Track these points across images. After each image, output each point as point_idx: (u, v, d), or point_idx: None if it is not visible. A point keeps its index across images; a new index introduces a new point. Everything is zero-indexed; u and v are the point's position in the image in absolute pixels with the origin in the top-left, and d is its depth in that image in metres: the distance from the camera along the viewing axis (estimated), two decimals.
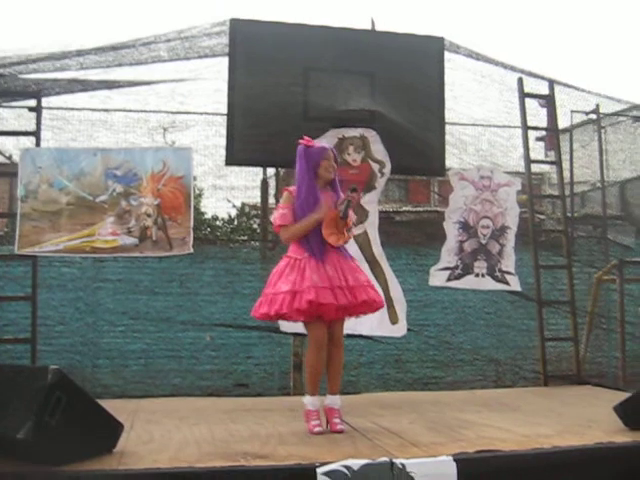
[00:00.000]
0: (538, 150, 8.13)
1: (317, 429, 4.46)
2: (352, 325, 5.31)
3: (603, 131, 9.54)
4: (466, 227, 6.93)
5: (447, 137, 7.07)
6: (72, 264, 7.91)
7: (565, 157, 8.64)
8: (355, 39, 6.75)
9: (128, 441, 4.15)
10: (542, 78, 7.72)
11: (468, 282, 6.99)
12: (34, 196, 6.13)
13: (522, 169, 7.64)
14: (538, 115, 7.76)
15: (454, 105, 7.27)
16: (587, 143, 9.69)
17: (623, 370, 7.65)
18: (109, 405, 4.02)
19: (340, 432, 4.46)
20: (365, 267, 6.47)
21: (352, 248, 6.37)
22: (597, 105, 8.86)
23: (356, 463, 3.55)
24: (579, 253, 8.86)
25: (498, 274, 7.00)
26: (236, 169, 7.67)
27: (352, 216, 4.64)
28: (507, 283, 7.07)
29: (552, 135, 7.82)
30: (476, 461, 3.76)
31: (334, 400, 4.63)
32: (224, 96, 6.54)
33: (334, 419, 4.56)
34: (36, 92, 6.63)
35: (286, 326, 5.80)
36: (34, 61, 6.51)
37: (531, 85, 7.60)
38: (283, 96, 6.38)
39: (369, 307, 4.64)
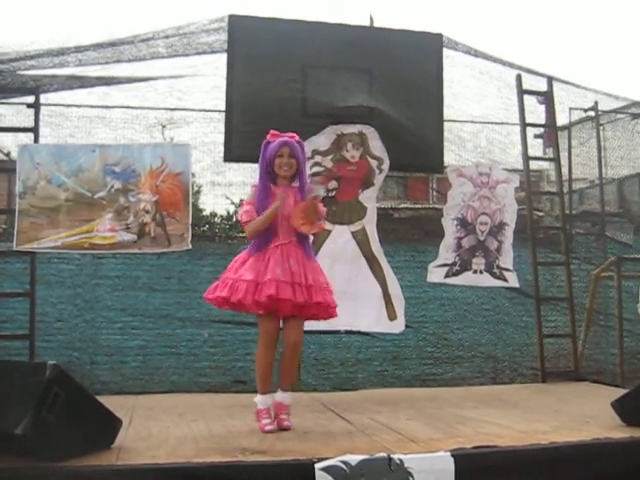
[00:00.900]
0: (536, 147, 8.14)
1: (268, 427, 4.39)
2: (350, 321, 5.33)
3: (601, 128, 9.54)
4: (464, 224, 6.94)
5: (445, 134, 7.05)
6: (70, 260, 7.92)
7: (563, 154, 8.64)
8: (354, 36, 6.73)
9: (126, 437, 4.16)
10: (540, 75, 7.72)
11: (466, 279, 7.00)
12: (32, 192, 6.13)
13: (520, 166, 7.65)
14: (536, 112, 7.76)
15: (452, 102, 7.27)
16: (585, 140, 9.70)
17: (621, 367, 7.67)
18: (107, 401, 4.03)
19: (287, 429, 4.42)
20: (363, 263, 6.49)
21: (350, 244, 6.44)
22: (595, 102, 8.85)
23: (354, 458, 3.55)
24: (577, 250, 8.87)
25: (496, 271, 7.01)
26: (234, 165, 7.68)
27: (322, 208, 4.56)
28: (505, 280, 7.07)
29: (550, 132, 7.82)
30: (473, 457, 3.77)
31: (283, 396, 4.57)
32: (222, 92, 6.54)
33: (281, 415, 4.51)
34: (34, 88, 6.62)
35: None
36: (32, 57, 6.51)
37: (529, 82, 7.60)
38: (281, 93, 6.37)
39: (323, 310, 4.55)
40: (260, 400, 4.53)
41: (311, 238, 4.75)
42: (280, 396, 4.57)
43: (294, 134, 4.68)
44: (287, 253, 4.44)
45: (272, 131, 4.66)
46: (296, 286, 4.35)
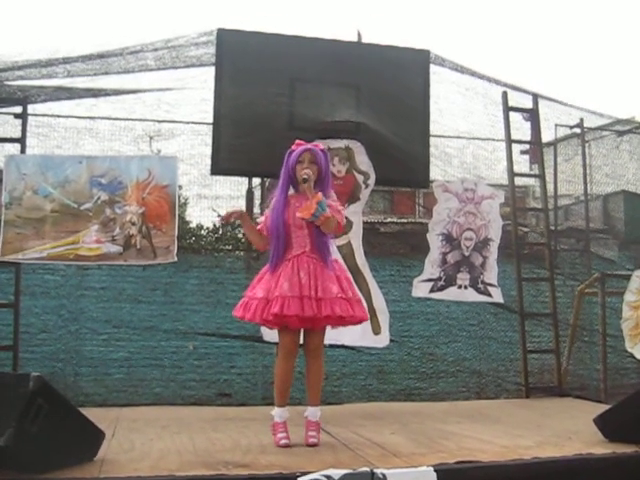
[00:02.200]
0: (522, 163, 8.19)
1: (283, 441, 4.37)
2: (334, 335, 5.32)
3: (587, 145, 9.60)
4: (449, 239, 6.97)
5: (431, 149, 7.09)
6: (56, 271, 7.89)
7: (549, 170, 8.70)
8: (341, 51, 6.77)
9: (109, 449, 4.15)
10: (526, 92, 7.78)
11: (451, 294, 7.02)
12: (18, 203, 6.11)
13: (506, 182, 7.69)
14: (522, 129, 7.82)
15: (439, 117, 7.32)
16: (571, 157, 9.76)
17: (604, 382, 7.70)
18: (91, 413, 4.03)
19: (313, 445, 4.40)
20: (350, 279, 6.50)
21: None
22: (581, 119, 8.92)
23: (337, 473, 3.55)
24: (562, 266, 8.91)
25: (481, 286, 7.04)
26: (221, 178, 7.69)
27: (319, 194, 4.41)
28: (490, 295, 7.10)
29: (536, 149, 7.88)
30: (456, 471, 3.78)
31: (312, 412, 4.56)
32: (210, 106, 6.56)
33: (309, 432, 4.49)
34: (22, 99, 6.61)
35: (269, 335, 5.80)
36: (20, 68, 6.50)
37: (515, 99, 7.66)
38: (269, 106, 6.39)
39: (334, 322, 4.50)
40: (277, 413, 4.52)
41: (332, 245, 4.71)
42: (309, 412, 4.58)
43: (318, 144, 4.70)
44: (298, 265, 4.42)
45: (298, 141, 4.67)
46: (305, 299, 4.31)
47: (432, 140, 7.15)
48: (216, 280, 8.20)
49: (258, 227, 4.69)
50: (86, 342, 7.99)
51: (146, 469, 3.70)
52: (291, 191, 4.65)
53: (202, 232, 9.58)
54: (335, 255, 6.12)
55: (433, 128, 7.13)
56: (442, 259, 6.94)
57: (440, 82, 7.25)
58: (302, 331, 4.54)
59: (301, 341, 4.60)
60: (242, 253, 8.52)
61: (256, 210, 7.78)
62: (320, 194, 4.40)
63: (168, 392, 7.93)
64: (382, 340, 6.64)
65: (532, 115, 7.75)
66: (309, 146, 4.62)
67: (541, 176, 7.84)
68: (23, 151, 6.48)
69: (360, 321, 4.64)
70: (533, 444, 4.45)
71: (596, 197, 10.02)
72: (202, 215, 8.92)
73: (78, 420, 3.81)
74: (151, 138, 7.75)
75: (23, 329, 6.66)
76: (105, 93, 7.05)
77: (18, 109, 6.61)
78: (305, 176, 4.41)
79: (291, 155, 4.59)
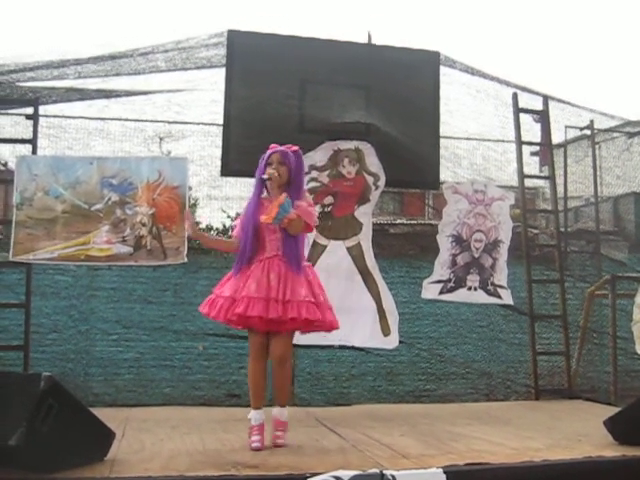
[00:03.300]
0: (532, 165, 8.19)
1: (254, 444, 4.32)
2: (344, 336, 5.34)
3: (597, 147, 9.58)
4: (459, 240, 6.95)
5: (441, 151, 7.09)
6: (66, 272, 7.91)
7: (559, 172, 8.68)
8: (352, 52, 6.78)
9: (119, 449, 4.16)
10: (536, 93, 7.77)
11: (460, 295, 7.00)
12: (29, 203, 6.13)
13: (516, 183, 7.68)
14: (532, 130, 7.81)
15: (449, 119, 7.32)
16: (581, 158, 9.75)
17: (615, 385, 7.67)
18: (101, 413, 4.03)
19: (279, 447, 4.37)
20: (358, 279, 6.51)
21: (345, 260, 6.45)
22: (591, 121, 8.91)
23: (346, 474, 3.56)
24: (572, 268, 8.89)
25: (490, 288, 7.02)
26: (231, 180, 7.71)
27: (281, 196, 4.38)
28: (499, 297, 7.08)
29: (546, 150, 7.87)
30: (466, 473, 3.78)
31: (279, 411, 4.54)
32: (220, 107, 6.56)
33: (276, 431, 4.48)
34: (33, 100, 6.63)
35: None
36: (31, 69, 6.53)
37: (526, 100, 7.65)
38: (279, 108, 6.40)
39: (301, 325, 4.47)
40: (252, 415, 4.48)
41: (304, 246, 4.67)
42: (275, 411, 4.55)
43: (293, 145, 4.67)
44: (269, 267, 4.41)
45: (272, 145, 4.66)
46: (271, 302, 4.29)
47: (442, 141, 7.15)
48: None
49: (233, 233, 4.71)
50: (96, 342, 8.02)
51: (156, 469, 3.72)
52: (265, 194, 4.63)
53: (212, 233, 9.60)
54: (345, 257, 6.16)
55: (443, 129, 7.12)
56: (452, 261, 6.92)
57: (450, 83, 7.25)
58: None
59: None
60: None
61: None
62: (283, 195, 4.35)
63: (177, 392, 7.95)
64: (391, 341, 6.63)
65: (542, 117, 7.73)
66: (280, 148, 4.61)
67: (551, 178, 7.82)
68: (34, 152, 6.49)
69: (330, 327, 4.59)
70: (543, 446, 4.44)
71: (606, 199, 10.01)
72: (212, 216, 8.97)
73: (89, 420, 3.83)
74: (161, 139, 7.78)
75: (34, 329, 6.67)
76: (116, 94, 7.08)
77: (29, 110, 6.63)
78: (265, 176, 4.43)
79: (262, 158, 4.60)
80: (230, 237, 4.97)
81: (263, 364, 4.49)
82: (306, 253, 4.88)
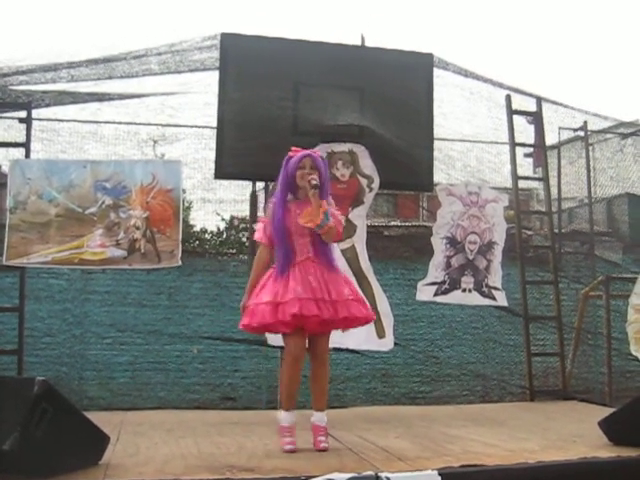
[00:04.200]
0: (526, 166, 8.19)
1: (288, 447, 4.34)
2: (338, 339, 5.32)
3: (591, 148, 9.60)
4: (453, 242, 6.96)
5: (435, 153, 7.09)
6: (60, 275, 7.88)
7: (553, 173, 8.69)
8: (345, 55, 6.78)
9: (114, 453, 4.15)
10: (530, 95, 7.78)
11: (455, 297, 7.02)
12: (23, 207, 6.13)
13: (510, 185, 7.69)
14: (526, 132, 7.82)
15: (442, 121, 7.31)
16: (575, 160, 9.76)
17: (609, 386, 7.68)
18: (95, 417, 4.02)
19: (323, 450, 4.36)
20: (352, 281, 6.50)
21: (340, 262, 6.43)
22: (585, 122, 8.92)
23: (342, 477, 3.55)
24: (566, 269, 8.90)
25: (485, 289, 7.03)
26: (225, 182, 7.69)
27: (325, 205, 4.41)
28: (494, 298, 7.09)
29: (540, 152, 7.88)
30: (461, 475, 3.78)
31: (319, 417, 4.52)
32: (214, 110, 6.56)
33: (319, 437, 4.45)
34: (26, 104, 6.63)
35: (273, 339, 5.79)
36: (24, 73, 6.53)
37: (519, 102, 7.66)
38: (273, 110, 6.39)
39: (351, 323, 4.52)
40: (283, 417, 4.47)
41: (334, 248, 4.72)
42: (316, 417, 4.52)
43: (317, 150, 4.68)
44: (305, 270, 4.41)
45: (294, 148, 4.64)
46: (320, 302, 4.32)
47: (436, 143, 7.15)
48: (220, 284, 8.20)
49: (256, 236, 4.67)
50: (90, 346, 7.99)
51: (151, 473, 3.70)
52: (289, 197, 4.61)
53: (206, 236, 9.59)
54: (339, 259, 6.14)
55: (437, 131, 7.12)
56: (446, 262, 6.93)
57: (444, 85, 7.26)
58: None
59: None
60: (246, 257, 8.49)
61: (260, 214, 7.78)
62: (325, 202, 4.40)
63: (172, 396, 7.93)
64: (386, 343, 6.63)
65: (536, 118, 7.75)
66: (309, 152, 4.61)
67: (545, 179, 7.84)
68: (28, 156, 6.49)
69: (369, 320, 4.68)
70: (538, 448, 4.45)
71: (600, 200, 10.01)
72: (206, 219, 8.96)
73: (83, 424, 3.82)
74: (155, 142, 7.77)
75: (28, 333, 6.66)
76: (109, 97, 7.07)
77: (22, 114, 6.63)
78: (315, 182, 4.39)
79: (289, 161, 4.56)
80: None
81: (301, 368, 4.46)
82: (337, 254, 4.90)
